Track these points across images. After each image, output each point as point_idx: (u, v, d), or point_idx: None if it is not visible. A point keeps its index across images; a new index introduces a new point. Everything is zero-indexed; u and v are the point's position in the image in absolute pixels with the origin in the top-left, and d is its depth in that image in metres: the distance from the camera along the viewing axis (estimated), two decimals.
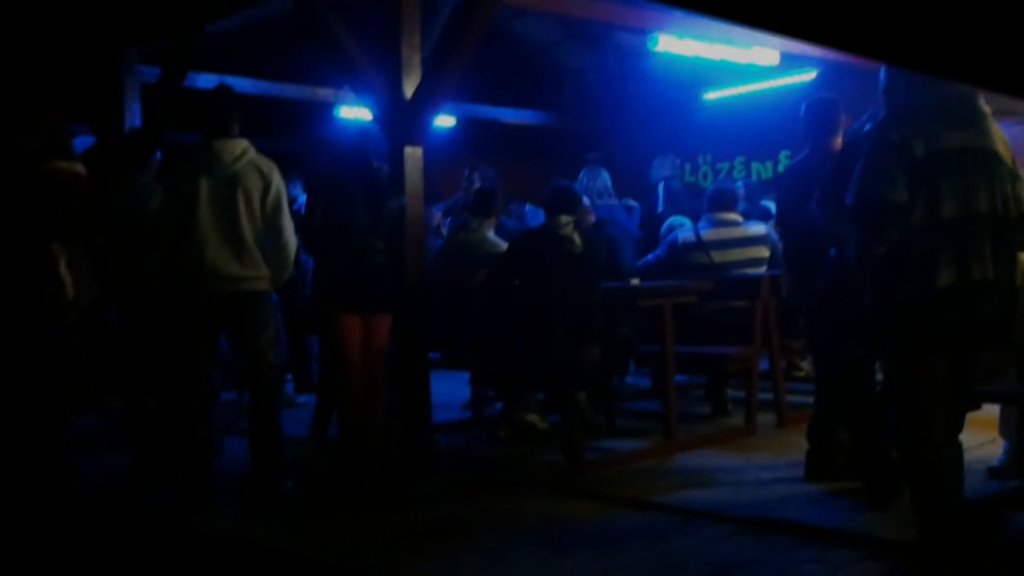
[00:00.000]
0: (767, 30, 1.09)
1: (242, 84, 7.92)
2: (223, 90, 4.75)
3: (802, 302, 4.71)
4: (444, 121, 9.67)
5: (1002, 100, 4.04)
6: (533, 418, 5.89)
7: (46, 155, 2.91)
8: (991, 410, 4.27)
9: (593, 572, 3.48)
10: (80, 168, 2.97)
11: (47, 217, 2.95)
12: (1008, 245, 3.22)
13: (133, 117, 7.46)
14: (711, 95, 10.19)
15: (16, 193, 2.91)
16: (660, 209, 8.19)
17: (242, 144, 4.53)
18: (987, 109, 3.28)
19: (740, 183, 8.05)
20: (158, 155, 5.40)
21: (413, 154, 5.25)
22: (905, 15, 1.01)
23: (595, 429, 5.59)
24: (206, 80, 7.72)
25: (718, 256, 6.09)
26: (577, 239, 5.34)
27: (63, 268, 2.97)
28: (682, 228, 6.50)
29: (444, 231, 7.41)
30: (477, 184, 7.60)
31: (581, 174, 8.50)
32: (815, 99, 4.79)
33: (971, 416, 3.59)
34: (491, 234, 6.16)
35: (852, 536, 3.70)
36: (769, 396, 6.00)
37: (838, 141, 4.54)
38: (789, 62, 8.86)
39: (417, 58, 5.29)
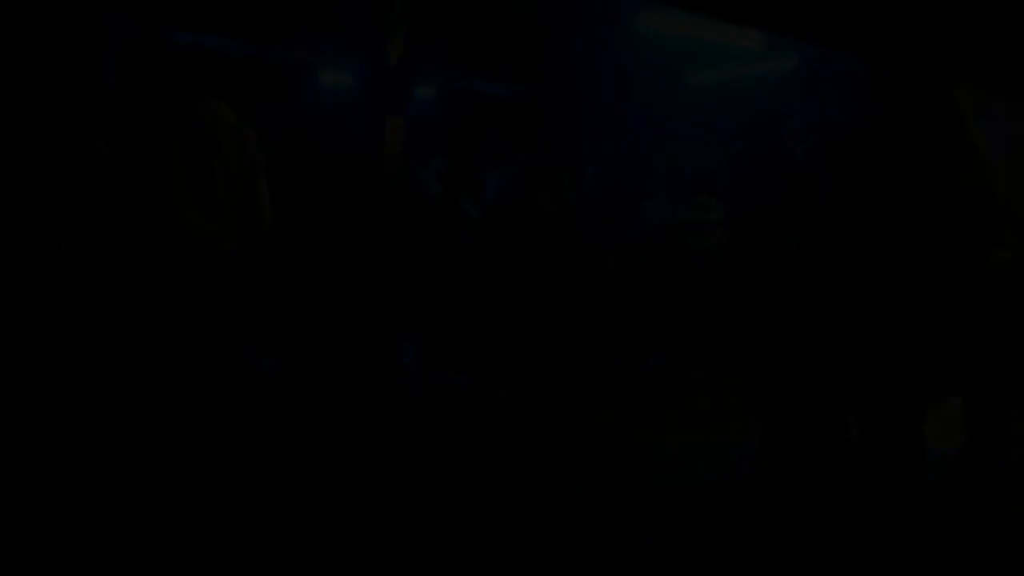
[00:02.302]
0: (754, 26, 1.09)
1: (222, 44, 7.81)
2: (202, 50, 4.70)
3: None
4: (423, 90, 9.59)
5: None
6: None
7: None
8: (951, 400, 4.33)
9: None
10: None
11: None
12: None
13: (109, 71, 7.34)
14: (692, 76, 10.18)
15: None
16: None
17: (220, 105, 4.49)
18: None
19: None
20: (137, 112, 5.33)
21: (393, 123, 5.21)
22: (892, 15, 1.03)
23: None
24: (184, 37, 7.60)
25: (692, 239, 6.10)
26: (551, 215, 5.35)
27: None
28: (657, 209, 6.52)
29: None
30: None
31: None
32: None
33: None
34: (466, 204, 6.14)
35: None
36: None
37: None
38: (773, 47, 8.85)
39: (402, 24, 5.24)
